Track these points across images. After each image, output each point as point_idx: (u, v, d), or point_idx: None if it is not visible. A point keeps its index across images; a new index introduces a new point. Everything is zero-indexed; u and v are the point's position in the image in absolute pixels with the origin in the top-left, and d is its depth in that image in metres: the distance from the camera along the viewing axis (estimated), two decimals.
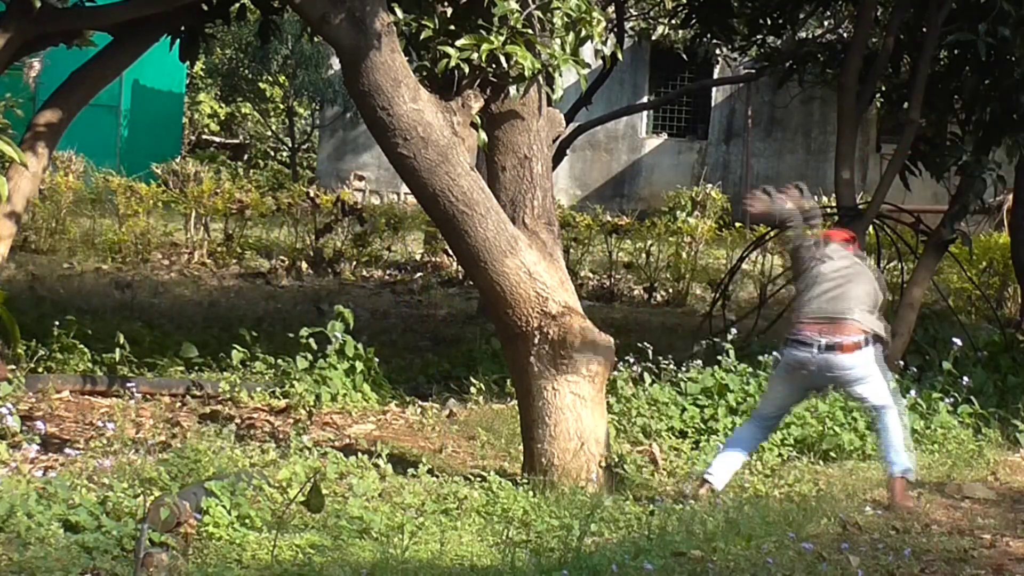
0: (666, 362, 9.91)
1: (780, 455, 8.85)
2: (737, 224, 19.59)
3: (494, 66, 7.41)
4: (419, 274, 17.84)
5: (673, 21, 20.50)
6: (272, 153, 32.79)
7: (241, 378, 10.06)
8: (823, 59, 12.55)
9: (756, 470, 8.43)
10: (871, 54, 11.66)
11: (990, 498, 8.03)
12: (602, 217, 18.43)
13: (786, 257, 7.51)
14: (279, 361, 10.10)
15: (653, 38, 25.09)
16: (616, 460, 7.88)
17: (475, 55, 7.32)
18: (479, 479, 7.60)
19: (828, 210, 15.35)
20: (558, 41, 7.70)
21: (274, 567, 5.88)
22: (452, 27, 7.53)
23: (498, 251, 7.44)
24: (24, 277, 15.19)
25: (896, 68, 12.11)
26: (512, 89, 7.59)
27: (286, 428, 8.89)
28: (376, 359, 10.16)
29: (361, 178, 27.48)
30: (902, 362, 10.68)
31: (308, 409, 9.40)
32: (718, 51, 17.87)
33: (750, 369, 9.57)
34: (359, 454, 7.75)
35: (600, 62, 10.04)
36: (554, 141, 8.18)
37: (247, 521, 6.37)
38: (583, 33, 7.74)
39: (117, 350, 9.98)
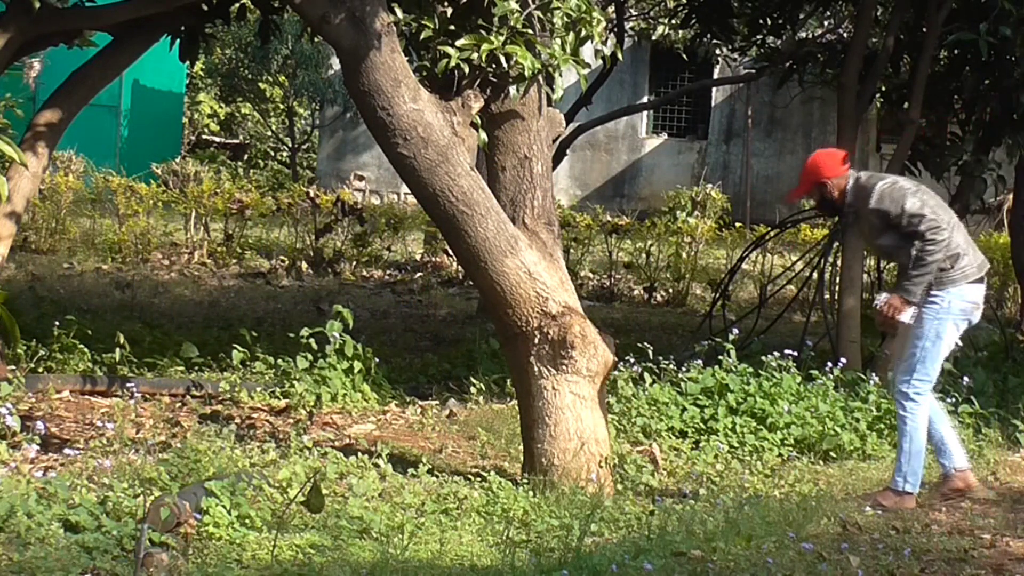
0: (666, 362, 9.91)
1: (780, 455, 8.86)
2: (737, 224, 19.60)
3: (494, 66, 7.41)
4: (419, 274, 17.84)
5: (673, 21, 20.54)
6: (272, 153, 32.80)
7: (241, 378, 10.05)
8: (823, 59, 12.57)
9: (756, 470, 8.43)
10: (871, 54, 11.67)
11: (990, 498, 8.03)
12: (602, 217, 18.42)
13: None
14: (279, 361, 10.09)
15: (653, 38, 25.14)
16: (616, 460, 7.88)
17: (475, 55, 7.32)
18: (479, 479, 7.60)
19: None
20: (558, 41, 7.69)
21: (274, 567, 5.88)
22: (452, 27, 7.53)
23: (498, 251, 7.44)
24: (24, 277, 15.20)
25: (896, 68, 12.12)
26: (512, 89, 7.59)
27: (286, 428, 8.89)
28: (376, 359, 10.16)
29: (361, 178, 27.48)
30: None
31: (308, 409, 9.40)
32: (718, 51, 17.88)
33: (750, 369, 9.57)
34: (359, 454, 7.75)
35: (600, 62, 10.04)
36: (554, 141, 8.18)
37: (247, 521, 6.37)
38: (583, 33, 7.73)
39: (117, 350, 9.98)
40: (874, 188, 7.63)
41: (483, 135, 7.72)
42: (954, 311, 7.64)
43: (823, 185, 7.78)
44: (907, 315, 7.55)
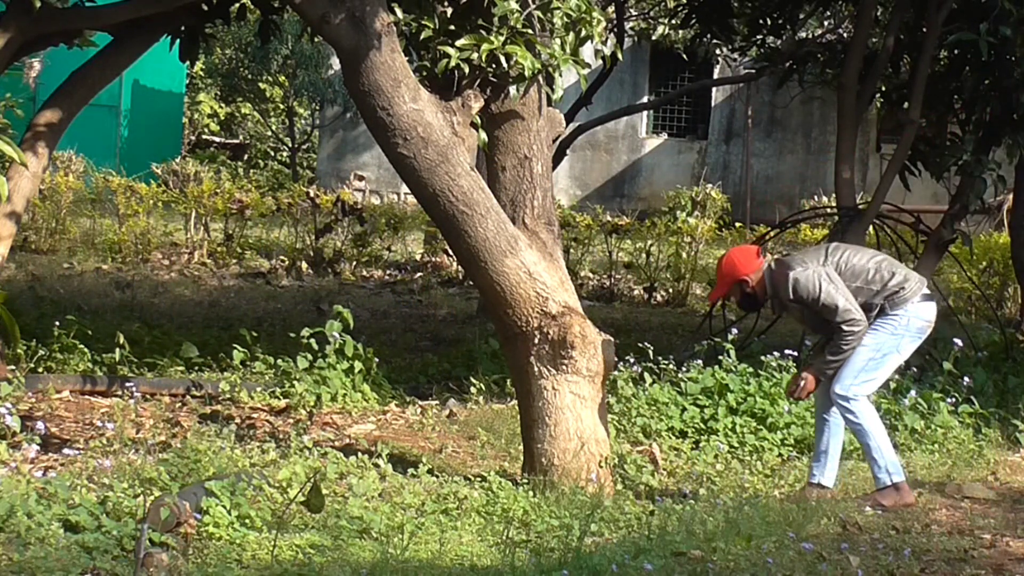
0: (666, 362, 9.91)
1: (780, 455, 8.86)
2: (737, 224, 19.59)
3: (494, 66, 7.41)
4: (419, 274, 17.84)
5: (673, 21, 20.52)
6: (272, 153, 32.81)
7: (241, 378, 10.06)
8: (823, 59, 12.55)
9: (756, 470, 8.44)
10: (871, 54, 11.66)
11: (990, 498, 8.03)
12: (602, 217, 18.42)
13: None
14: (279, 361, 10.09)
15: (653, 38, 25.12)
16: (616, 460, 7.88)
17: (475, 55, 7.32)
18: (479, 479, 7.60)
19: (828, 210, 15.41)
20: (558, 41, 7.69)
21: (274, 567, 5.88)
22: (452, 27, 7.53)
23: (498, 251, 7.44)
24: (24, 277, 15.20)
25: (896, 68, 12.11)
26: (512, 89, 7.59)
27: (286, 428, 8.89)
28: (376, 359, 10.16)
29: (361, 178, 27.48)
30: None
31: (308, 409, 9.40)
32: (718, 51, 17.88)
33: (750, 369, 9.57)
34: (359, 454, 7.75)
35: (600, 62, 10.04)
36: (554, 141, 8.18)
37: (247, 521, 6.37)
38: (583, 33, 7.73)
39: (117, 350, 9.98)
40: (788, 278, 7.61)
41: (483, 135, 7.72)
42: (912, 329, 7.69)
43: (743, 282, 7.74)
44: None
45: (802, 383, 7.71)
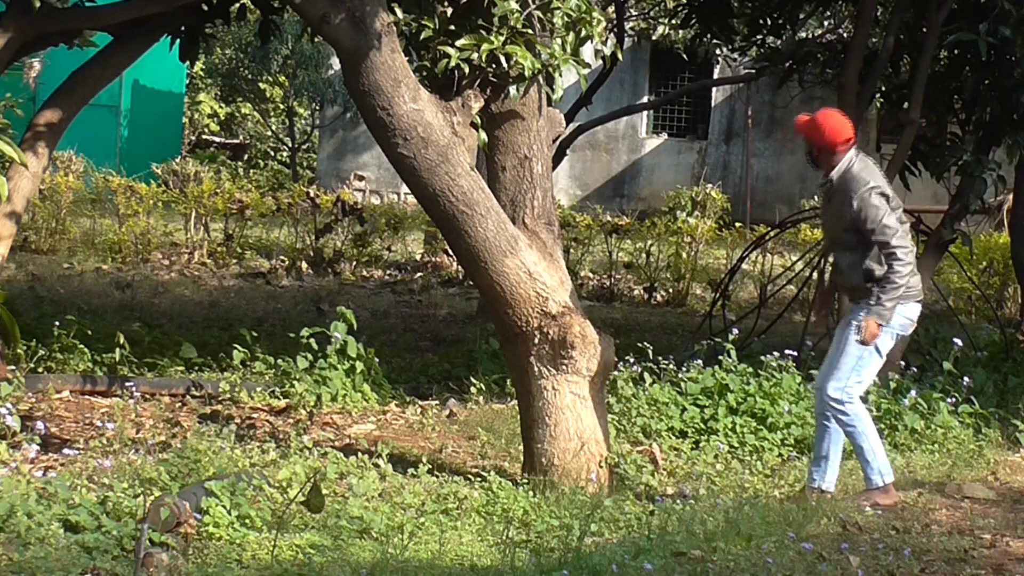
0: (666, 362, 9.91)
1: (780, 455, 8.86)
2: (737, 224, 19.59)
3: (494, 66, 7.41)
4: (419, 274, 17.84)
5: (673, 21, 20.52)
6: (272, 153, 32.81)
7: (241, 378, 10.06)
8: (823, 59, 12.55)
9: (756, 470, 8.43)
10: (871, 54, 11.66)
11: (990, 498, 8.04)
12: (602, 217, 18.42)
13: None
14: (279, 361, 10.09)
15: (653, 38, 25.15)
16: (616, 460, 7.88)
17: (475, 55, 7.32)
18: (479, 479, 7.60)
19: None
20: (558, 41, 7.70)
21: (274, 567, 5.89)
22: (452, 27, 7.53)
23: (498, 251, 7.44)
24: (24, 277, 15.20)
25: (896, 68, 12.11)
26: (512, 89, 7.59)
27: (286, 428, 8.89)
28: (376, 359, 10.16)
29: (361, 178, 27.49)
30: (903, 362, 10.68)
31: (308, 409, 9.40)
32: (718, 51, 17.88)
33: (750, 369, 9.57)
34: (359, 454, 7.75)
35: (600, 62, 10.04)
36: (554, 141, 8.18)
37: (247, 521, 6.37)
38: (583, 33, 7.74)
39: (117, 350, 9.98)
40: (860, 189, 7.58)
41: (483, 135, 7.72)
42: (895, 325, 7.69)
43: (835, 146, 7.93)
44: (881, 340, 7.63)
45: (865, 326, 7.60)
